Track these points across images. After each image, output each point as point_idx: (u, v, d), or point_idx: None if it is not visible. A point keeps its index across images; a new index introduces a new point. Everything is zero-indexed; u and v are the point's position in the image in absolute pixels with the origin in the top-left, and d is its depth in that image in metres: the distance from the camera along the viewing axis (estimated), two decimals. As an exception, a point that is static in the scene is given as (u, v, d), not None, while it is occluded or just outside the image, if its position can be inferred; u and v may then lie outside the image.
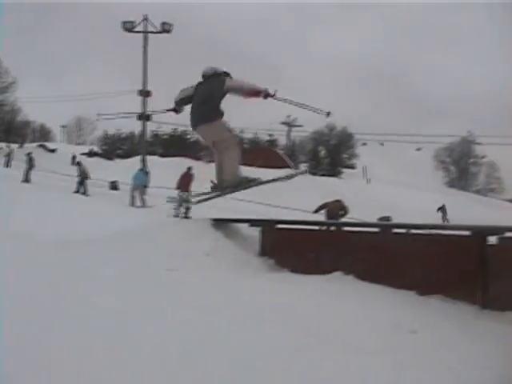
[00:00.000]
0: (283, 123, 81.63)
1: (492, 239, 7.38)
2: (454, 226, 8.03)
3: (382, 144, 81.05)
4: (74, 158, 33.00)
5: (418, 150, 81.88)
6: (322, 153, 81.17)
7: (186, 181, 24.24)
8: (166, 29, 43.66)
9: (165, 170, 38.16)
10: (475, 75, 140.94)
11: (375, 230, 9.08)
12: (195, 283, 7.20)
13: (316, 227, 9.93)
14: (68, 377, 3.76)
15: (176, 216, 21.30)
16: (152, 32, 44.09)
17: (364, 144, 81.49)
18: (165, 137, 74.17)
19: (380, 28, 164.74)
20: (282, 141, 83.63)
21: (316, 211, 19.79)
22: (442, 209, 42.31)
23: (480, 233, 7.32)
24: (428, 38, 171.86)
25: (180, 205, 22.95)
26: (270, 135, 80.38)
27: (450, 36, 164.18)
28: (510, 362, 4.91)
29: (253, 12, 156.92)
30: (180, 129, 71.82)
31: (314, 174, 62.48)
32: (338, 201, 20.08)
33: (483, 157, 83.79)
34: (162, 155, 61.78)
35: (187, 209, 22.83)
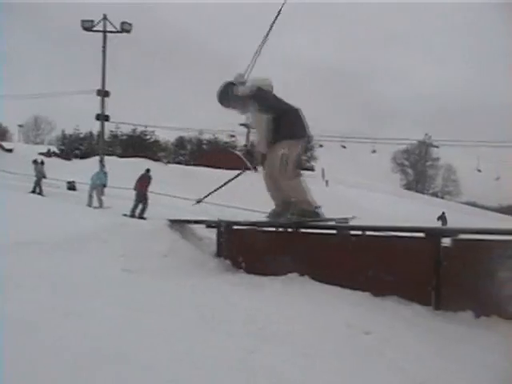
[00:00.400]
0: (242, 125, 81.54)
1: (446, 241, 7.46)
2: (409, 227, 8.09)
3: (344, 146, 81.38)
4: (42, 162, 32.49)
5: (374, 152, 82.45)
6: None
7: (143, 182, 24.16)
8: (125, 28, 43.40)
9: (123, 171, 37.87)
10: (434, 78, 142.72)
11: (332, 231, 9.11)
12: (150, 285, 7.18)
13: (273, 228, 9.94)
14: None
15: (132, 216, 21.26)
16: (111, 31, 43.81)
17: (321, 146, 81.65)
18: (124, 137, 73.59)
19: (340, 29, 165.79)
20: (243, 142, 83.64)
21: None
22: (442, 217, 41.71)
23: (434, 235, 7.41)
24: (388, 41, 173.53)
25: (136, 205, 22.94)
26: (232, 136, 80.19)
27: (409, 38, 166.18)
28: (461, 361, 4.98)
29: (212, 12, 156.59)
30: (139, 129, 71.50)
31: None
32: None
33: (437, 159, 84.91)
34: (121, 156, 61.33)
35: (143, 209, 22.81)
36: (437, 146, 74.70)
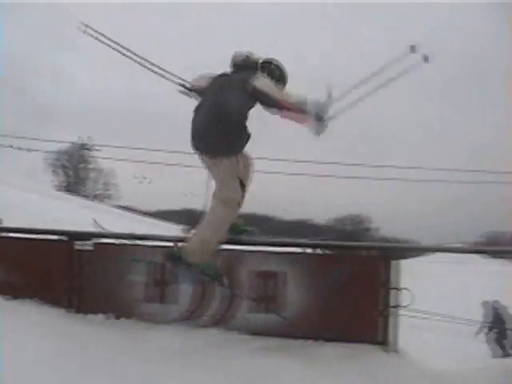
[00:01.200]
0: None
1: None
2: (50, 230, 8.04)
3: (11, 146, 77.56)
4: None
5: (29, 151, 79.98)
6: None
7: None
8: None
9: None
10: (96, 86, 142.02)
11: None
12: None
13: None
14: None
15: None
16: None
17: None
18: None
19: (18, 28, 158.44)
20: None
21: None
22: None
23: (71, 237, 7.47)
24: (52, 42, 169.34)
25: None
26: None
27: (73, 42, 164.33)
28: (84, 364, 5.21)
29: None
30: None
31: None
32: None
33: (89, 162, 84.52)
34: None
35: None
36: (89, 149, 74.03)
